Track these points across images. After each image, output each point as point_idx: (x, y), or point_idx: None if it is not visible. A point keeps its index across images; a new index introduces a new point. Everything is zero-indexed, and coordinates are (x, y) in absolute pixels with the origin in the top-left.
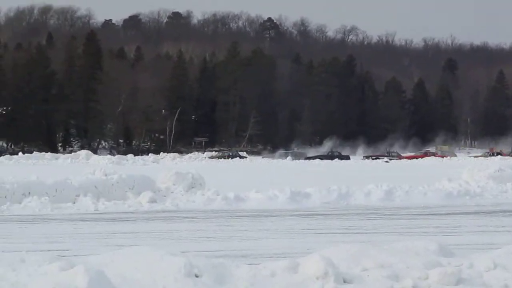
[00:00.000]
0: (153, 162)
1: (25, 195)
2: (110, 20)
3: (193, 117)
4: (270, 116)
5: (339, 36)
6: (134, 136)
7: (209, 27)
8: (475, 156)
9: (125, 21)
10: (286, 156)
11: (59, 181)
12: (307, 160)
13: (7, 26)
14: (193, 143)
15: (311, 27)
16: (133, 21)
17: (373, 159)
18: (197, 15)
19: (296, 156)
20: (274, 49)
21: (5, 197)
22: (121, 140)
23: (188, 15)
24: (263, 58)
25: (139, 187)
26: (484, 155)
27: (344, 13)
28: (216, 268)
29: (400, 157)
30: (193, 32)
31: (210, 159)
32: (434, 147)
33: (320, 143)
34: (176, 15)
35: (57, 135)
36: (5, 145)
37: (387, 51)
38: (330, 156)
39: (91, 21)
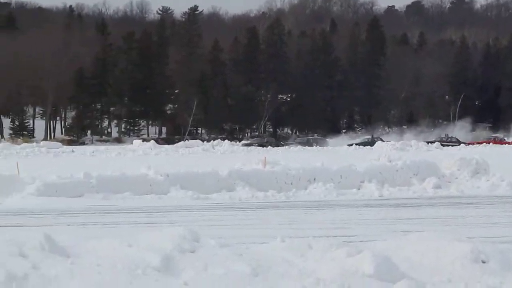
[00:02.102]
0: (436, 148)
1: (310, 181)
2: (393, 6)
3: (476, 102)
4: None
5: None
6: (417, 121)
7: (492, 11)
8: None
9: (408, 7)
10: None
11: (344, 167)
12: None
13: (291, 13)
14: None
15: None
16: (415, 7)
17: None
18: (480, 0)
19: (318, 143)
20: None
21: (291, 183)
22: (404, 126)
23: (471, 0)
24: None
25: (423, 173)
26: None
27: None
28: (503, 254)
29: (461, 143)
30: (476, 17)
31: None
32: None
33: None
34: (459, 1)
35: (341, 122)
36: (290, 132)
37: None
38: (369, 143)
39: (374, 8)
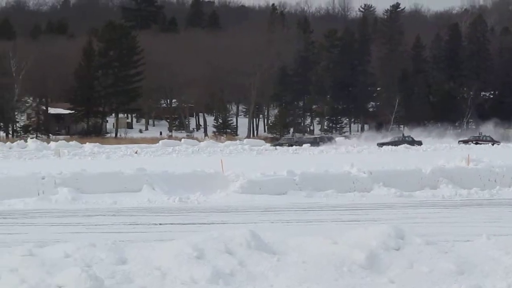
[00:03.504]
0: None
1: None
2: None
3: None
4: None
5: None
6: None
7: None
8: None
9: None
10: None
11: None
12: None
13: (494, 10)
14: None
15: None
16: None
17: (474, 143)
18: None
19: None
20: None
21: (495, 180)
22: None
23: None
24: None
25: None
26: None
27: None
28: None
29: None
30: None
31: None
32: None
33: None
34: None
35: None
36: (492, 129)
37: None
38: (403, 142)
39: None
